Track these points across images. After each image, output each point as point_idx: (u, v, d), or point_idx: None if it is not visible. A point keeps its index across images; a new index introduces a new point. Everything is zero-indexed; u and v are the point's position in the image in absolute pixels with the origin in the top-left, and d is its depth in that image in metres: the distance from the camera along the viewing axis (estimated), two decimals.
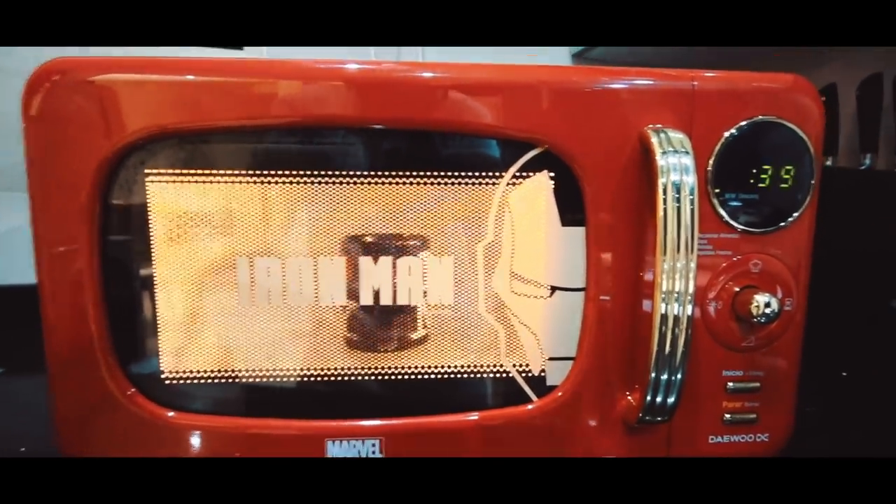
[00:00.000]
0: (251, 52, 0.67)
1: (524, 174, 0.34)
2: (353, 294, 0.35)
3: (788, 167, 0.35)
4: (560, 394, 0.36)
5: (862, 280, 0.53)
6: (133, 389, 0.34)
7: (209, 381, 0.35)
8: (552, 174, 0.34)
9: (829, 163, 0.59)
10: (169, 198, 0.33)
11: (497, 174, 0.34)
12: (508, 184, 0.34)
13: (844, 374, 0.54)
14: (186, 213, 0.33)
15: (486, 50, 0.48)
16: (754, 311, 0.34)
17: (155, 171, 0.33)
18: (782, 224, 0.35)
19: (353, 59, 0.33)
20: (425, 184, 0.34)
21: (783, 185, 0.35)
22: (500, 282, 0.35)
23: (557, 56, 0.73)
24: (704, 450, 0.37)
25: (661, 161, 0.32)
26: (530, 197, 0.35)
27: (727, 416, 0.36)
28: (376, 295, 0.35)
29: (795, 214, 0.35)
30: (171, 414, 0.34)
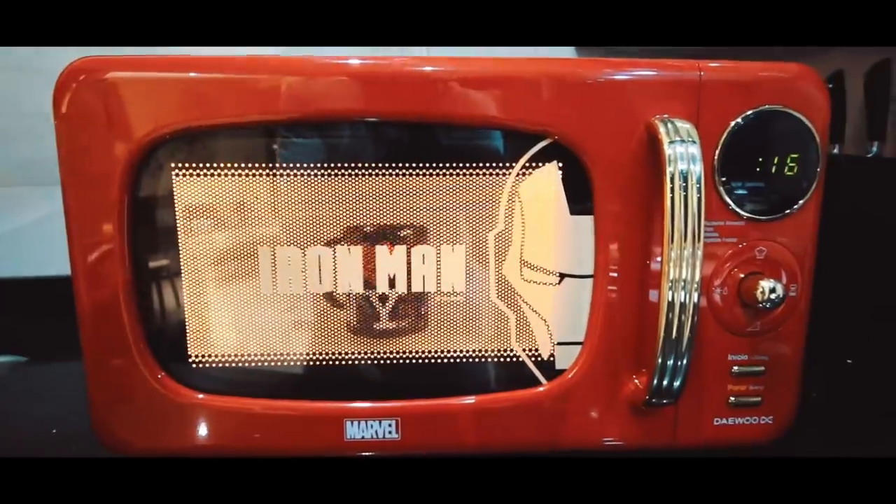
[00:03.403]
0: (257, 52, 0.67)
1: (533, 165, 0.35)
2: (369, 282, 0.36)
3: (794, 155, 0.35)
4: (569, 377, 0.37)
5: (869, 267, 0.54)
6: (163, 373, 0.36)
7: (234, 364, 0.37)
8: (561, 164, 0.35)
9: (835, 150, 0.59)
10: (194, 191, 0.34)
11: (507, 165, 0.35)
12: (518, 174, 0.35)
13: (849, 361, 0.55)
14: (211, 205, 0.35)
15: (488, 47, 0.48)
16: (759, 297, 0.35)
17: (180, 165, 0.34)
18: (787, 212, 0.36)
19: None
20: (438, 175, 0.35)
21: (789, 174, 0.35)
22: (510, 269, 0.37)
23: (561, 48, 0.72)
24: (710, 431, 0.38)
25: (668, 150, 0.32)
26: (539, 187, 0.36)
27: (732, 398, 0.37)
28: (392, 282, 0.36)
29: (801, 202, 0.36)
30: (200, 396, 0.36)
